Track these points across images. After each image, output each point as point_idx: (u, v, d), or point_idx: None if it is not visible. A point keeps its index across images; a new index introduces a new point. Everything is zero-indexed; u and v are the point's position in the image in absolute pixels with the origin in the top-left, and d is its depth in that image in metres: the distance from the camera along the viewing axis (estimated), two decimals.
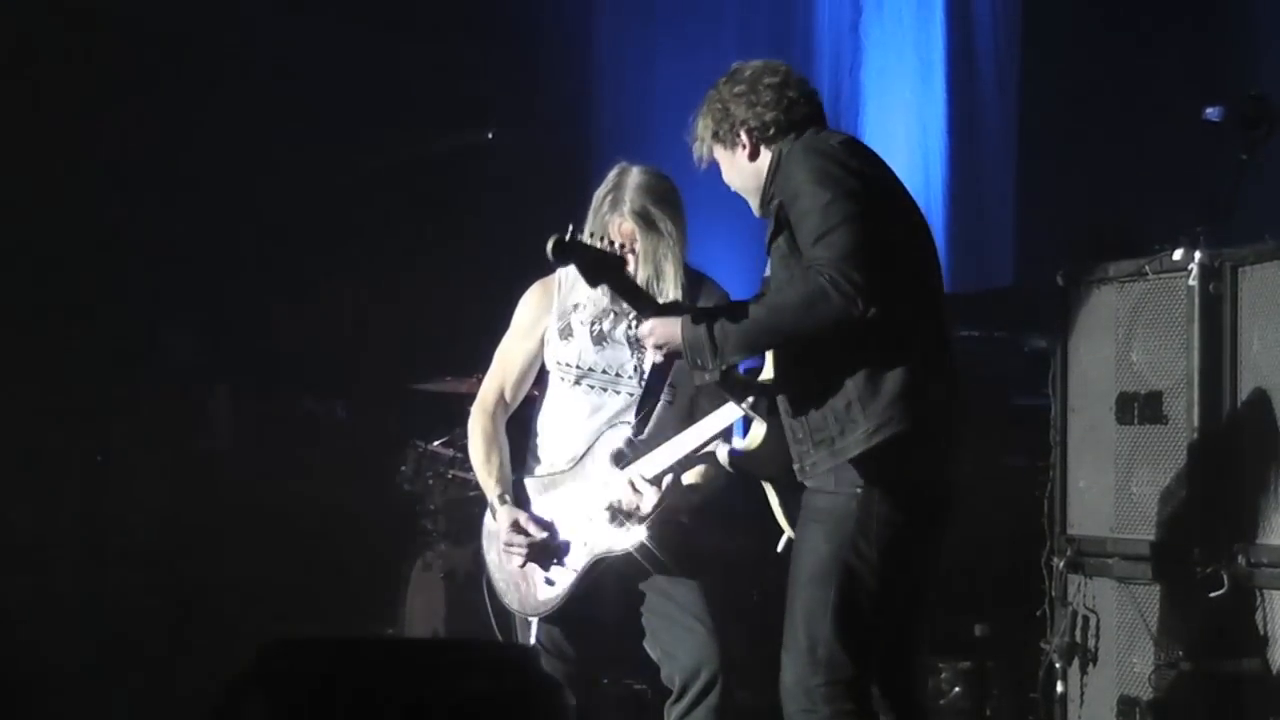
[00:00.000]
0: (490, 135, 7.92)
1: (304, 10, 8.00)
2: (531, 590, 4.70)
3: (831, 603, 3.98)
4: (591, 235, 4.29)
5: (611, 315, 4.70)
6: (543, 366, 4.83)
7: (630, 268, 4.40)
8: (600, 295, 4.65)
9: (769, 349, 4.12)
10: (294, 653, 3.33)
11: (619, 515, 4.54)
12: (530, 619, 4.72)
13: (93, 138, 7.52)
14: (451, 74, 8.22)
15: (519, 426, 4.88)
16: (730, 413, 4.36)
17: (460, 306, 7.11)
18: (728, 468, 4.27)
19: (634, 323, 4.52)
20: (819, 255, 3.87)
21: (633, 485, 4.51)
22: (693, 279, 4.65)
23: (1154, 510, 5.03)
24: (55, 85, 7.46)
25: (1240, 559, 4.79)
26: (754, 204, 4.25)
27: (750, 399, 4.20)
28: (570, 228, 4.14)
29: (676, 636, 4.59)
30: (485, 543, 4.82)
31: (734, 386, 4.18)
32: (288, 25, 7.91)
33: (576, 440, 4.69)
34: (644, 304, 4.25)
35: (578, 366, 4.72)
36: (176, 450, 7.89)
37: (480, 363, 5.03)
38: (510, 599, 4.76)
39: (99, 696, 6.47)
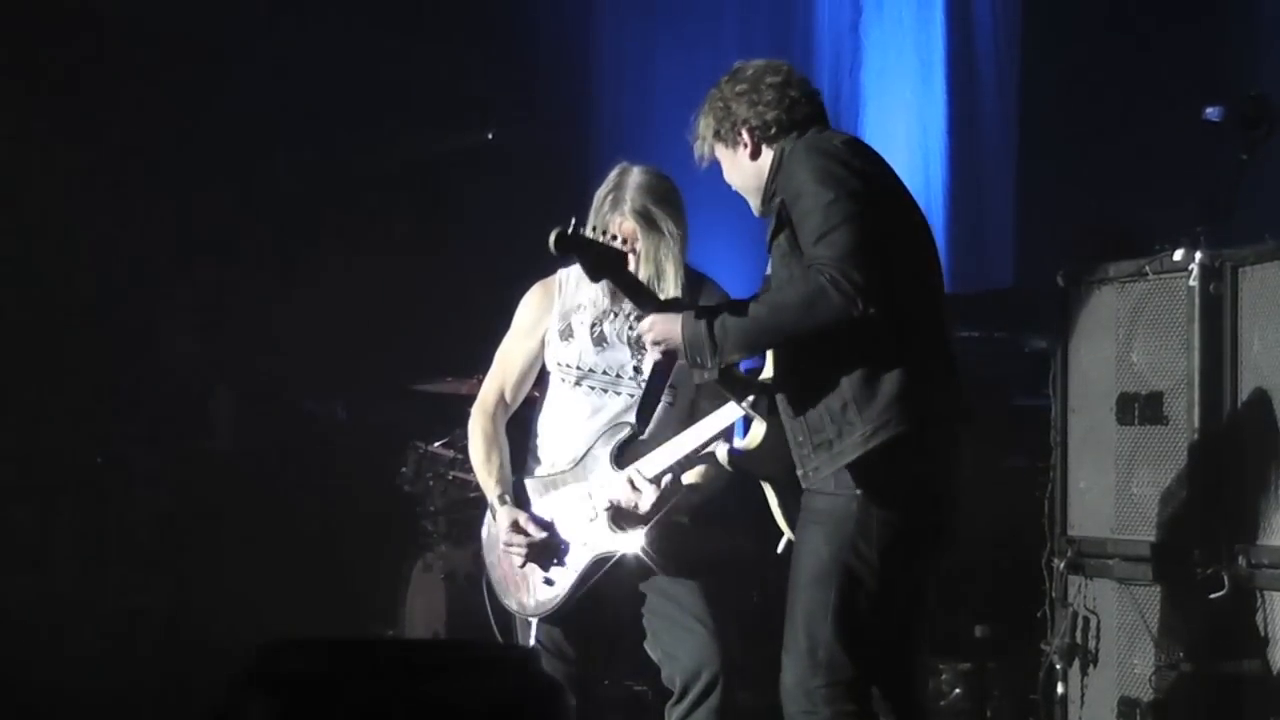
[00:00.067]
0: (490, 135, 7.92)
1: (304, 10, 8.00)
2: (531, 591, 4.69)
3: (832, 604, 3.98)
4: (594, 230, 4.29)
5: (612, 316, 4.69)
6: (543, 367, 4.82)
7: (631, 267, 4.40)
8: (601, 297, 4.65)
9: (769, 348, 4.12)
10: (294, 653, 3.33)
11: (619, 516, 4.54)
12: (530, 620, 4.70)
13: (93, 137, 7.52)
14: (451, 74, 8.23)
15: (519, 427, 4.87)
16: (730, 413, 4.36)
17: (460, 307, 7.10)
18: (727, 467, 4.26)
19: (634, 321, 4.51)
20: (820, 254, 3.87)
21: (632, 483, 4.51)
22: (693, 279, 4.64)
23: (1154, 511, 5.02)
24: (55, 85, 7.46)
25: (1241, 560, 4.78)
26: (755, 203, 4.25)
27: (750, 398, 4.20)
28: (574, 221, 4.14)
29: (677, 637, 4.58)
30: (485, 543, 4.82)
31: (734, 385, 4.18)
32: (288, 25, 7.91)
33: (577, 441, 4.68)
34: (645, 300, 4.24)
35: (578, 367, 4.71)
36: (176, 450, 7.89)
37: (481, 363, 5.02)
38: (510, 600, 4.75)
39: (99, 696, 6.46)
